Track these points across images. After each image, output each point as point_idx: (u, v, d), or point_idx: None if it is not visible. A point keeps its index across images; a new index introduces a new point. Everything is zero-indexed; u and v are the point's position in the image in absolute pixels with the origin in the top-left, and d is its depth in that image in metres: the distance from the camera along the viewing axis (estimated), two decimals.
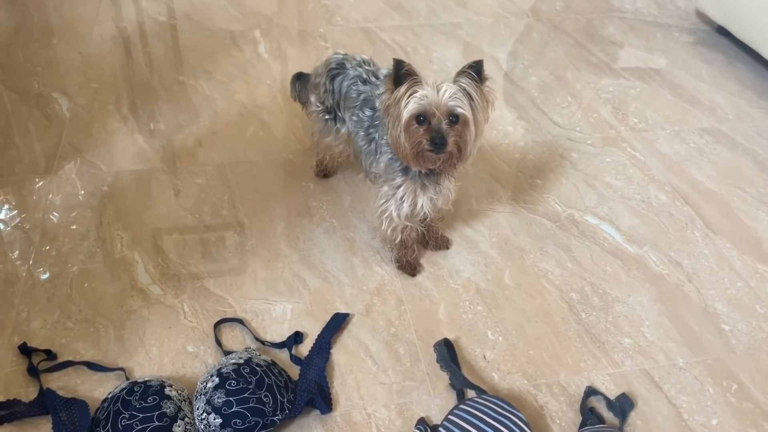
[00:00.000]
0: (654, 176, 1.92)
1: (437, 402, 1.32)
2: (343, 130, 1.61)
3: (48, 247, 1.58)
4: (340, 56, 1.60)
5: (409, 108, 1.30)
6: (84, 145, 1.91)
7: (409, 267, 1.59)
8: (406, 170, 1.43)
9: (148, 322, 1.43)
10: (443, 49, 2.48)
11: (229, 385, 1.22)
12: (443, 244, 1.66)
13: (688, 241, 1.72)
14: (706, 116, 2.20)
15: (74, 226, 1.65)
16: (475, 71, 1.31)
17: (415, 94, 1.30)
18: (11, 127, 1.96)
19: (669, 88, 2.34)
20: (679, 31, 2.69)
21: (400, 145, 1.34)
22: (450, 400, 1.31)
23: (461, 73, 1.32)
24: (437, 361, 1.37)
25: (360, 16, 2.66)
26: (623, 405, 1.30)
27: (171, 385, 1.25)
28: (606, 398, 1.32)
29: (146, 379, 1.25)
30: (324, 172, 1.83)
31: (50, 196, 1.73)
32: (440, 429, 1.19)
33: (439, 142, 1.29)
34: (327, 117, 1.62)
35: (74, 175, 1.80)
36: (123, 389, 1.22)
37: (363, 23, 2.60)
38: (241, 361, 1.28)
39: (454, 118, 1.31)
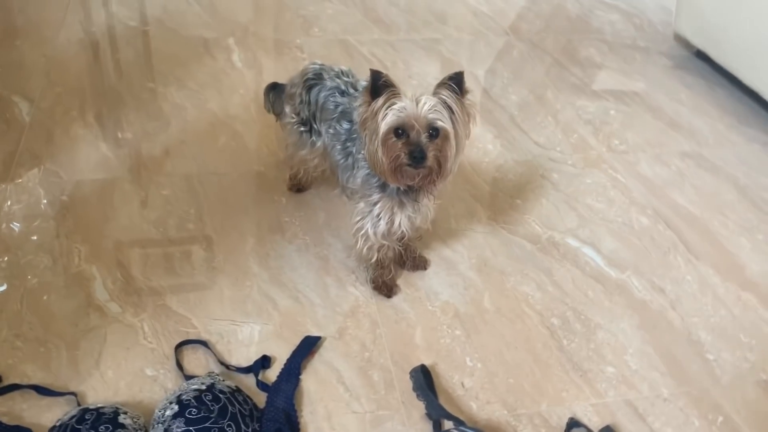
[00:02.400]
0: (635, 199, 1.88)
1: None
2: (319, 143, 1.54)
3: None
4: (318, 66, 1.54)
5: (387, 120, 1.23)
6: (44, 151, 1.80)
7: (386, 288, 1.51)
8: (383, 186, 1.37)
9: (104, 343, 1.34)
10: (423, 65, 2.43)
11: (190, 413, 1.13)
12: (421, 264, 1.59)
13: (671, 266, 1.68)
14: (686, 140, 2.18)
15: (29, 237, 1.55)
16: (456, 83, 1.26)
17: (393, 106, 1.23)
18: None
19: (649, 110, 2.32)
20: (658, 54, 2.68)
21: (377, 159, 1.27)
22: (426, 431, 1.24)
23: (441, 85, 1.26)
24: (413, 389, 1.29)
25: (338, 28, 2.61)
26: None
27: (126, 413, 1.15)
28: (589, 431, 1.26)
29: (99, 405, 1.16)
30: (298, 187, 1.76)
31: (5, 204, 1.62)
32: None
33: (418, 155, 1.23)
34: (302, 129, 1.55)
35: (32, 183, 1.70)
36: (73, 417, 1.13)
37: (341, 35, 2.54)
38: (203, 387, 1.19)
39: (434, 132, 1.25)
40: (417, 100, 1.23)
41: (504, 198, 1.84)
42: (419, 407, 1.28)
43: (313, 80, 1.52)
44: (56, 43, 2.30)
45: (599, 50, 2.67)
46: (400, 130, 1.24)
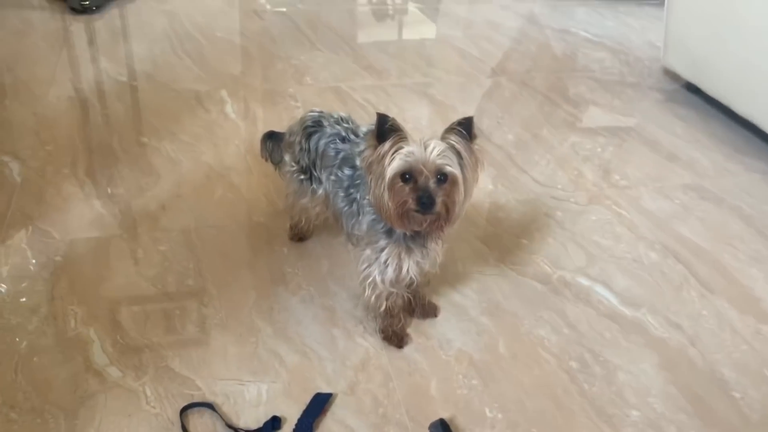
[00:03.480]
0: (642, 234, 1.85)
1: None
2: (320, 191, 1.50)
3: None
4: (317, 114, 1.51)
5: (393, 165, 1.20)
6: (36, 211, 1.75)
7: (396, 338, 1.46)
8: (390, 232, 1.32)
9: (104, 410, 1.27)
10: (416, 108, 2.43)
11: None
12: (431, 311, 1.54)
13: (685, 301, 1.64)
14: (686, 172, 2.16)
15: (23, 300, 1.49)
16: (465, 128, 1.23)
17: (400, 151, 1.20)
18: None
19: (646, 144, 2.31)
20: (649, 88, 2.70)
21: (383, 205, 1.23)
22: None
23: (450, 130, 1.23)
24: None
25: (330, 76, 2.60)
26: None
27: None
28: None
29: None
30: (299, 236, 1.71)
31: None
32: None
33: (426, 201, 1.19)
34: (302, 177, 1.51)
35: (24, 245, 1.64)
36: None
37: (333, 83, 2.54)
38: None
39: (442, 177, 1.21)
40: (425, 144, 1.20)
41: (509, 238, 1.80)
42: None
43: (312, 127, 1.49)
44: (46, 101, 2.27)
45: (589, 87, 2.68)
46: (407, 175, 1.20)
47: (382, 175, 1.21)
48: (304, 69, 2.64)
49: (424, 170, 1.19)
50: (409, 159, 1.19)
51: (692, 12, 2.42)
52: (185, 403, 1.28)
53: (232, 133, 2.18)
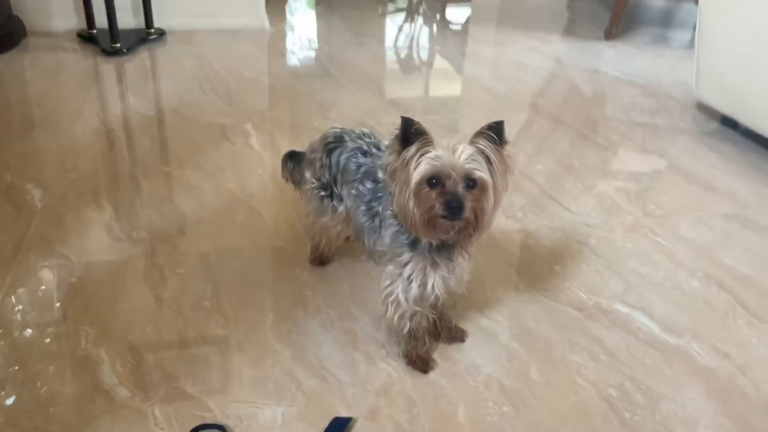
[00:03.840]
0: (682, 262, 1.75)
1: None
2: (341, 209, 1.44)
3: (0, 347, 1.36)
4: (338, 130, 1.47)
5: (420, 169, 1.14)
6: (54, 235, 1.72)
7: (420, 362, 1.37)
8: (414, 244, 1.25)
9: (110, 431, 1.19)
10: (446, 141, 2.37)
11: None
12: (458, 335, 1.45)
13: (732, 330, 1.52)
14: (726, 202, 2.07)
15: (33, 321, 1.43)
16: (495, 133, 1.17)
17: (426, 155, 1.14)
18: None
19: (682, 175, 2.23)
20: (682, 123, 2.64)
21: (408, 212, 1.17)
22: None
23: (479, 134, 1.17)
24: None
25: (355, 111, 2.59)
26: None
27: None
28: None
29: None
30: (320, 260, 1.65)
31: (9, 288, 1.52)
32: None
33: (456, 206, 1.12)
34: (323, 194, 1.46)
35: (40, 267, 1.60)
36: None
37: (359, 117, 2.52)
38: None
39: (471, 183, 1.15)
40: (453, 148, 1.15)
41: (541, 264, 1.72)
42: None
43: (333, 143, 1.45)
44: (72, 134, 2.28)
45: (621, 121, 2.62)
46: (434, 180, 1.14)
47: (407, 180, 1.15)
48: (330, 105, 2.63)
49: (453, 174, 1.13)
50: (436, 163, 1.14)
51: (725, 44, 2.36)
52: (195, 425, 1.20)
53: (256, 162, 2.15)
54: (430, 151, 1.14)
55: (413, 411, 1.27)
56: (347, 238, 1.67)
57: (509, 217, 1.91)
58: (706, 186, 2.16)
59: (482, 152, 1.16)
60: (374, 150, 1.40)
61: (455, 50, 3.56)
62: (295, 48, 3.40)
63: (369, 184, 1.36)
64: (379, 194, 1.34)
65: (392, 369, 1.37)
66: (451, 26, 4.04)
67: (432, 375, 1.36)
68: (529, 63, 3.26)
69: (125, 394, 1.27)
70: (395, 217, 1.26)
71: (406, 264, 1.28)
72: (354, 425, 1.23)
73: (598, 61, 3.34)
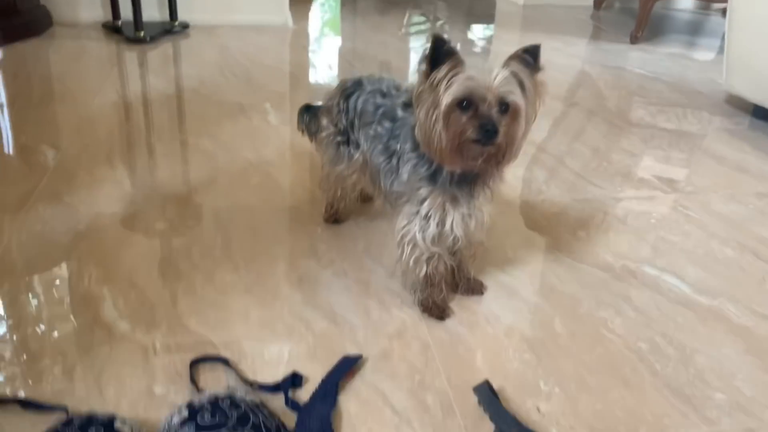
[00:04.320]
0: (715, 233, 1.67)
1: None
2: (357, 155, 1.39)
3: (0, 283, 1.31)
4: (357, 77, 1.42)
5: (452, 90, 1.07)
6: (65, 188, 1.69)
7: (437, 309, 1.29)
8: (433, 177, 1.19)
9: (107, 360, 1.13)
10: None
11: (202, 418, 0.90)
12: (476, 288, 1.38)
13: None
14: (759, 182, 1.98)
15: (37, 261, 1.38)
16: (531, 56, 1.11)
17: (458, 75, 1.08)
18: None
19: (712, 158, 2.15)
20: (713, 115, 2.56)
21: (434, 137, 1.10)
22: None
23: (514, 57, 1.12)
24: (479, 403, 1.04)
25: None
26: None
27: (124, 422, 0.92)
28: None
29: (91, 412, 0.93)
30: (334, 217, 1.59)
31: (15, 232, 1.47)
32: None
33: (491, 129, 1.06)
34: (339, 139, 1.41)
35: (48, 215, 1.56)
36: (59, 423, 0.90)
37: None
38: (221, 394, 0.96)
39: (504, 107, 1.09)
40: (488, 70, 1.09)
41: (565, 231, 1.64)
42: (488, 431, 1.02)
43: (351, 88, 1.41)
44: (90, 106, 2.26)
45: (649, 112, 2.56)
46: (465, 102, 1.08)
47: (436, 102, 1.09)
48: None
49: (487, 96, 1.07)
50: (469, 84, 1.08)
51: (756, 30, 2.30)
52: (196, 357, 1.13)
53: (273, 136, 2.11)
54: (461, 72, 1.08)
55: (428, 354, 1.19)
56: (362, 199, 1.62)
57: (532, 188, 1.84)
58: (737, 168, 2.08)
59: (516, 76, 1.10)
60: (393, 91, 1.35)
61: (479, 47, 3.53)
62: (318, 44, 3.40)
63: (387, 124, 1.31)
64: (397, 132, 1.28)
65: (407, 316, 1.29)
66: (475, 43, 4.02)
67: (449, 322, 1.28)
68: (553, 60, 3.21)
69: (125, 328, 1.21)
70: (415, 149, 1.20)
71: (424, 200, 1.21)
72: (364, 363, 1.15)
73: (624, 62, 3.28)
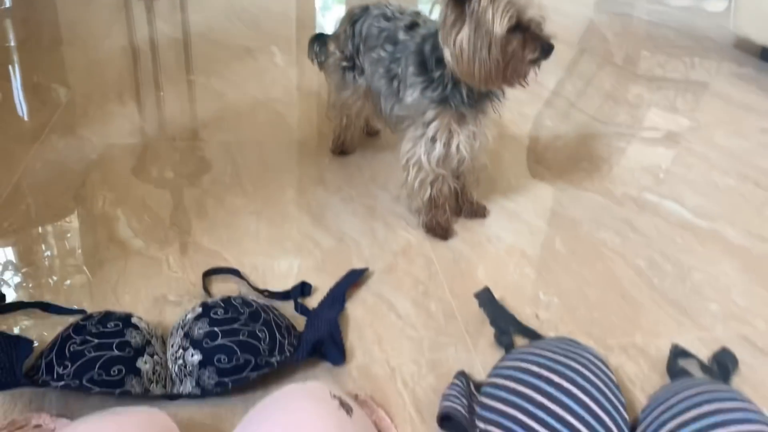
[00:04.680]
0: (716, 164, 1.69)
1: (479, 359, 1.02)
2: (361, 81, 1.42)
3: (17, 204, 1.35)
4: (365, 4, 1.44)
5: (506, 16, 1.09)
6: (77, 122, 1.72)
7: (440, 229, 1.33)
8: (445, 100, 1.21)
9: (123, 272, 1.18)
10: None
11: (215, 313, 0.94)
12: (479, 211, 1.41)
13: None
14: (763, 118, 1.99)
15: (52, 186, 1.43)
16: None
17: (501, 2, 1.10)
18: None
19: (719, 98, 2.16)
20: (721, 59, 2.55)
21: (481, 63, 1.12)
22: (496, 358, 1.01)
23: None
24: (480, 305, 1.09)
25: None
26: (724, 361, 1.00)
27: (141, 318, 0.97)
28: (699, 360, 1.02)
29: (109, 310, 0.98)
30: (341, 148, 1.62)
31: (30, 161, 1.52)
32: (486, 387, 0.89)
33: (550, 47, 1.12)
34: (345, 65, 1.44)
35: (61, 145, 1.60)
36: (78, 320, 0.95)
37: None
38: (234, 295, 1.01)
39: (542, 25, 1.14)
40: None
41: (569, 163, 1.67)
42: (487, 336, 1.07)
43: (358, 14, 1.42)
44: (99, 49, 2.28)
45: (660, 59, 2.55)
46: (518, 25, 1.10)
47: (487, 30, 1.10)
48: None
49: (534, 16, 1.11)
50: (518, 6, 1.10)
51: None
52: (208, 269, 1.18)
53: (281, 77, 2.13)
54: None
55: (431, 269, 1.23)
56: (368, 132, 1.65)
57: (536, 124, 1.86)
58: (743, 106, 2.09)
59: None
60: (397, 14, 1.36)
61: None
62: None
63: (389, 47, 1.32)
64: (398, 56, 1.30)
65: (411, 236, 1.33)
66: None
67: (452, 242, 1.32)
68: (563, 9, 3.18)
69: (139, 245, 1.25)
70: (421, 73, 1.23)
71: (430, 122, 1.24)
72: (371, 276, 1.20)
73: (631, 10, 3.25)
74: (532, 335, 1.02)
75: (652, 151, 1.75)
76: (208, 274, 1.17)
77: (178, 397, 0.90)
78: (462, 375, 0.93)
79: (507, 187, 1.52)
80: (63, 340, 0.89)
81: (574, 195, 1.51)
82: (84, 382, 0.84)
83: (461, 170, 1.33)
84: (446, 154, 1.25)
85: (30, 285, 1.13)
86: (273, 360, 0.92)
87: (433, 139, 1.24)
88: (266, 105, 1.90)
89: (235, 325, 0.93)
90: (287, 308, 1.10)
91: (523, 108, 1.93)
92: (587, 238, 1.35)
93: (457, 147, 1.25)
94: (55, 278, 1.16)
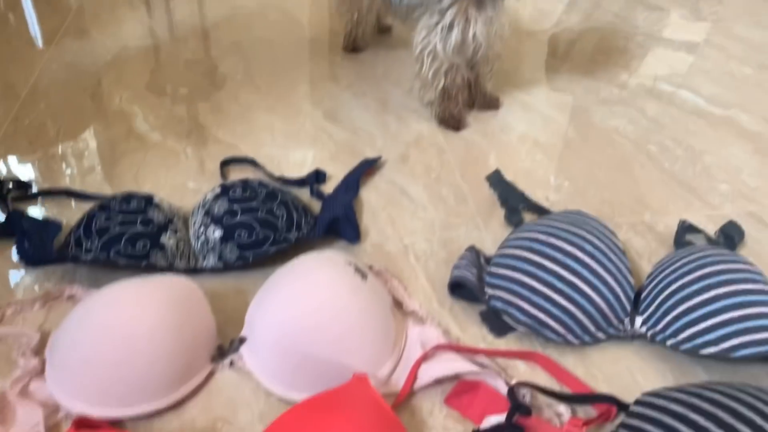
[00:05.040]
0: (734, 54, 1.66)
1: (490, 237, 1.05)
2: None
3: (36, 103, 1.38)
4: None
5: None
6: (90, 26, 1.72)
7: (453, 120, 1.34)
8: None
9: (143, 163, 1.21)
10: None
11: (234, 192, 0.98)
12: (492, 103, 1.41)
13: None
14: None
15: (69, 86, 1.44)
16: None
17: None
18: (6, 9, 1.80)
19: None
20: None
21: None
22: (505, 235, 1.04)
23: None
24: (491, 187, 1.11)
25: None
26: (730, 233, 1.02)
27: (162, 199, 1.01)
28: (706, 234, 1.04)
29: (132, 191, 1.02)
30: (353, 45, 1.61)
31: (46, 63, 1.53)
32: (495, 258, 0.92)
33: None
34: None
35: (76, 46, 1.61)
36: (102, 200, 0.99)
37: None
38: (251, 178, 1.04)
39: None
40: None
41: (584, 55, 1.65)
42: (497, 216, 1.09)
43: None
44: None
45: None
46: None
47: None
48: None
49: None
50: None
51: None
52: (225, 158, 1.20)
53: None
54: None
55: (443, 157, 1.25)
56: (379, 29, 1.64)
57: (556, 19, 1.83)
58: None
59: None
60: None
61: None
62: None
63: None
64: None
65: (424, 128, 1.34)
66: None
67: (464, 132, 1.33)
68: None
69: (157, 138, 1.28)
70: None
71: (447, 9, 1.22)
72: (384, 165, 1.22)
73: None
74: (542, 212, 1.05)
75: (669, 42, 1.72)
76: (226, 164, 1.19)
77: (201, 271, 0.94)
78: (473, 248, 0.96)
79: (521, 79, 1.52)
80: (89, 218, 0.93)
81: (588, 86, 1.50)
82: (111, 254, 0.88)
83: (476, 60, 1.32)
84: (462, 41, 1.24)
85: (52, 177, 1.16)
86: (291, 236, 0.96)
87: (450, 26, 1.23)
88: (276, 4, 1.88)
89: (254, 203, 0.96)
90: (303, 194, 1.13)
91: (540, 3, 1.90)
92: (600, 126, 1.35)
93: (474, 35, 1.24)
94: (76, 170, 1.19)
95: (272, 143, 1.28)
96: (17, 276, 0.94)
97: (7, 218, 1.02)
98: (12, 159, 1.20)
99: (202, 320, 0.79)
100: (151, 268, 0.90)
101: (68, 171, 1.18)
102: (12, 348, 0.82)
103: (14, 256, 0.97)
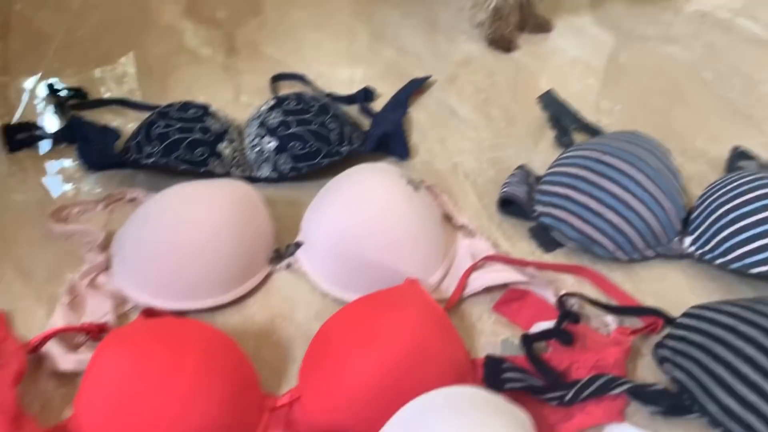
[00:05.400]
0: None
1: (539, 158, 1.05)
2: None
3: (87, 18, 1.39)
4: None
5: None
6: None
7: (504, 42, 1.32)
8: None
9: (195, 77, 1.23)
10: None
11: (287, 104, 0.99)
12: (544, 25, 1.39)
13: None
14: None
15: (119, 1, 1.45)
16: None
17: None
18: None
19: None
20: None
21: None
22: (555, 156, 1.04)
23: None
24: (543, 106, 1.11)
25: None
26: None
27: (218, 109, 1.02)
28: (759, 161, 1.03)
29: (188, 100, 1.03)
30: None
31: None
32: (546, 176, 0.92)
33: None
34: None
35: None
36: (160, 108, 1.01)
37: None
38: (304, 92, 1.05)
39: None
40: None
41: None
42: (548, 138, 1.09)
43: None
44: None
45: None
46: None
47: None
48: None
49: None
50: None
51: None
52: (276, 74, 1.21)
53: None
54: None
55: (493, 79, 1.24)
56: None
57: None
58: None
59: None
60: None
61: None
62: None
63: None
64: None
65: (474, 48, 1.33)
66: None
67: (514, 54, 1.31)
68: None
69: (208, 53, 1.29)
70: None
71: None
72: (433, 85, 1.22)
73: None
74: (594, 132, 1.04)
75: None
76: (276, 80, 1.20)
77: (257, 180, 0.96)
78: (522, 167, 0.97)
79: (574, 2, 1.48)
80: (149, 124, 0.95)
81: (644, 12, 1.46)
82: (171, 159, 0.90)
83: None
84: None
85: (106, 88, 1.19)
86: (342, 149, 0.97)
87: None
88: None
89: (307, 116, 0.97)
90: (351, 111, 1.14)
91: None
92: (654, 52, 1.32)
93: None
94: (128, 83, 1.21)
95: (320, 60, 1.28)
96: (80, 179, 0.98)
97: (67, 124, 1.05)
98: (67, 70, 1.22)
99: (261, 223, 0.82)
100: (209, 175, 0.92)
101: (121, 83, 1.20)
102: (79, 245, 0.86)
103: (76, 160, 1.00)
